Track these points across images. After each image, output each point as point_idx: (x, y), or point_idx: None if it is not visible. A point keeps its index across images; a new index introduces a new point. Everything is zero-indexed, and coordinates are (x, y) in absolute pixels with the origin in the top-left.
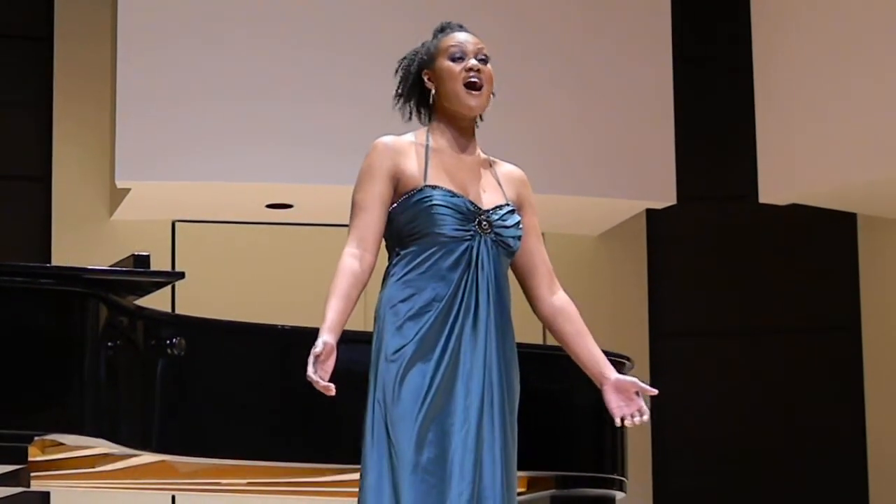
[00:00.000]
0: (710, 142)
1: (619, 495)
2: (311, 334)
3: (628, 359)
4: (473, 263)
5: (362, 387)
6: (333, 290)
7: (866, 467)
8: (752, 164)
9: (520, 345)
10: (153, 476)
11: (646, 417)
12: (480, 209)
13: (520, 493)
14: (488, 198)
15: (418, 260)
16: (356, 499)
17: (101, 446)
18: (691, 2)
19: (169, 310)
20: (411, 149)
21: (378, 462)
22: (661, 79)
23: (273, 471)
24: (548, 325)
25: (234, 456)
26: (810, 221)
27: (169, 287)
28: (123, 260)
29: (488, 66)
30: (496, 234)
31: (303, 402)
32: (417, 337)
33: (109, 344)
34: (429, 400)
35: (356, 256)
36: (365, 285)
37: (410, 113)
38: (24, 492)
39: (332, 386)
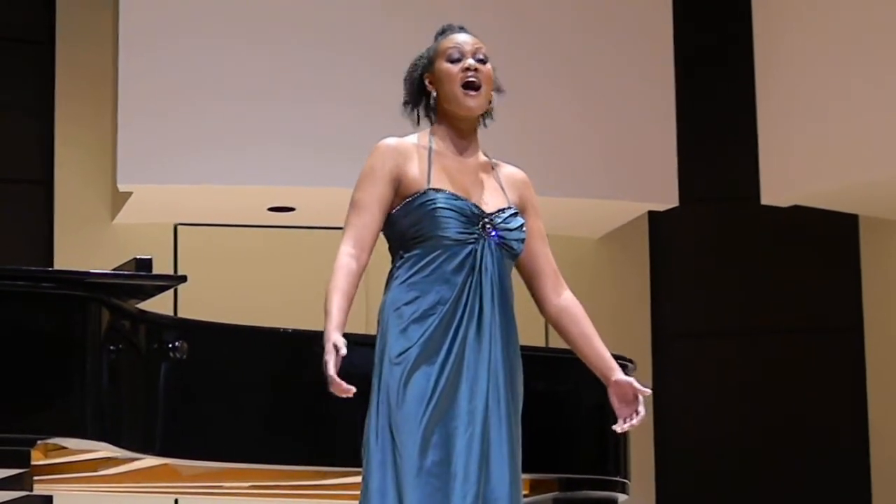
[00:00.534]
0: (712, 143)
1: (621, 497)
2: (314, 337)
3: (630, 361)
4: (477, 266)
5: (364, 390)
6: (335, 287)
7: (869, 469)
8: (754, 165)
9: (522, 347)
10: (156, 479)
11: (635, 421)
12: (484, 212)
13: (523, 496)
14: (491, 201)
15: (422, 263)
16: (358, 502)
17: (104, 450)
18: (693, 3)
19: (171, 313)
20: (414, 151)
21: (382, 465)
22: (662, 81)
23: (275, 474)
24: (555, 327)
25: (237, 459)
26: (812, 223)
27: (171, 290)
28: (125, 263)
29: (487, 65)
30: (500, 237)
31: (305, 404)
32: (422, 340)
33: (112, 347)
34: (433, 403)
35: (353, 256)
36: (357, 287)
37: (419, 118)
38: (27, 495)
39: (353, 388)
